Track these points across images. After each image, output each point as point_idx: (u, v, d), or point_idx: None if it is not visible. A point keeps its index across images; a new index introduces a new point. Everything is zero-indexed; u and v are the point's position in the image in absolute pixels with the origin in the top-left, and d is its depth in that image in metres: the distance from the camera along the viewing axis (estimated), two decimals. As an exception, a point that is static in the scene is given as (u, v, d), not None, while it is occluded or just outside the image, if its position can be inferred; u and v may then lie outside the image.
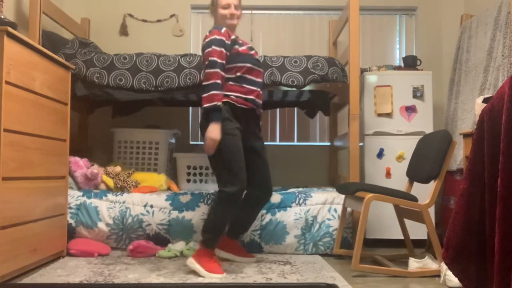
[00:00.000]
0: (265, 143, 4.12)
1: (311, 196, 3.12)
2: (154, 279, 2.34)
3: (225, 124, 2.52)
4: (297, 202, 3.09)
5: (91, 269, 2.55)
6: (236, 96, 2.59)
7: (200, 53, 4.22)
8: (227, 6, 2.68)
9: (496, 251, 1.36)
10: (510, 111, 1.36)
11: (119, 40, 4.17)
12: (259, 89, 2.70)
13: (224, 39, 2.57)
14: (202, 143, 4.11)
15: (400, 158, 3.51)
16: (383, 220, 3.48)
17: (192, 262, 2.47)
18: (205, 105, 2.46)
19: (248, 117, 2.66)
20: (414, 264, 2.55)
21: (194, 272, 2.47)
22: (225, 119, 2.53)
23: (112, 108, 4.03)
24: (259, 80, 2.71)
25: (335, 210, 3.07)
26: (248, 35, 4.22)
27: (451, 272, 1.87)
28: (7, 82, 2.19)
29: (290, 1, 4.23)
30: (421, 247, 3.42)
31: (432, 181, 2.64)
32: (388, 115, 3.56)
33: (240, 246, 2.86)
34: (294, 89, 3.21)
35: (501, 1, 3.24)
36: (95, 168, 3.28)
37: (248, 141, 2.68)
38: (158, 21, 4.20)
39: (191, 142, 4.20)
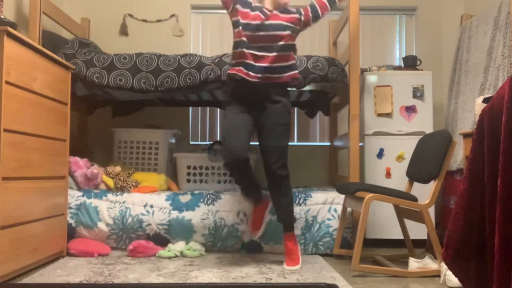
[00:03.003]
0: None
1: (311, 196, 3.12)
2: (154, 279, 2.34)
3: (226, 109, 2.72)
4: (297, 202, 3.08)
5: (91, 269, 2.55)
6: (231, 66, 2.70)
7: (200, 53, 4.24)
8: None
9: (496, 251, 1.36)
10: (510, 111, 1.36)
11: (119, 40, 4.17)
12: (261, 53, 2.62)
13: None
14: (202, 143, 4.14)
15: (400, 158, 3.51)
16: (383, 220, 3.48)
17: None
18: None
19: (248, 90, 2.66)
20: (414, 264, 2.55)
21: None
22: (226, 102, 2.72)
23: (112, 108, 4.03)
24: (264, 44, 2.63)
25: (335, 210, 3.07)
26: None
27: (451, 272, 1.87)
28: (7, 82, 2.19)
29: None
30: (421, 247, 3.42)
31: (432, 181, 2.64)
32: (388, 115, 3.56)
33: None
34: (294, 89, 3.21)
35: (501, 1, 3.24)
36: (95, 168, 3.28)
37: (256, 114, 2.70)
38: (158, 21, 4.20)
39: (191, 142, 4.20)
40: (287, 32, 2.65)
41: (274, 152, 2.64)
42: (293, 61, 2.72)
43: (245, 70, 2.61)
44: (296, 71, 2.74)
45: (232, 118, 2.64)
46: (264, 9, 2.70)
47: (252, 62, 2.62)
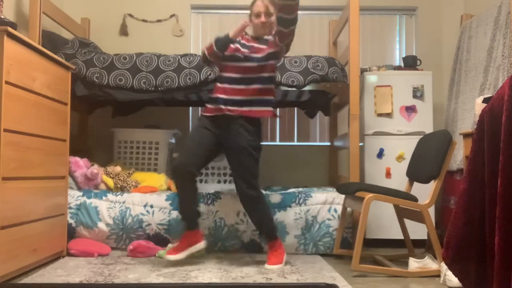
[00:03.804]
0: (265, 143, 4.13)
1: (311, 196, 3.12)
2: (154, 279, 2.34)
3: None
4: (297, 202, 3.08)
5: (91, 269, 2.55)
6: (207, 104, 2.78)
7: (199, 53, 4.24)
8: (258, 15, 2.76)
9: (496, 251, 1.36)
10: (510, 111, 1.36)
11: (119, 40, 4.17)
12: (230, 86, 2.69)
13: None
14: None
15: (400, 158, 3.51)
16: (383, 220, 3.48)
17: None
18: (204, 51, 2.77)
19: (219, 121, 2.72)
20: (414, 264, 2.55)
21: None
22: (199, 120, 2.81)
23: (112, 108, 4.03)
24: (234, 75, 2.69)
25: (335, 210, 3.07)
26: (248, 35, 4.21)
27: (451, 272, 1.87)
28: (7, 82, 2.19)
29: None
30: (421, 247, 3.42)
31: (432, 181, 2.64)
32: (388, 115, 3.56)
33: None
34: (294, 89, 3.21)
35: (501, 1, 3.24)
36: (95, 168, 3.28)
37: (224, 142, 2.72)
38: (158, 21, 4.20)
39: (191, 142, 4.20)
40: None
41: (240, 173, 2.64)
42: None
43: None
44: None
45: (194, 132, 2.74)
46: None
47: None
